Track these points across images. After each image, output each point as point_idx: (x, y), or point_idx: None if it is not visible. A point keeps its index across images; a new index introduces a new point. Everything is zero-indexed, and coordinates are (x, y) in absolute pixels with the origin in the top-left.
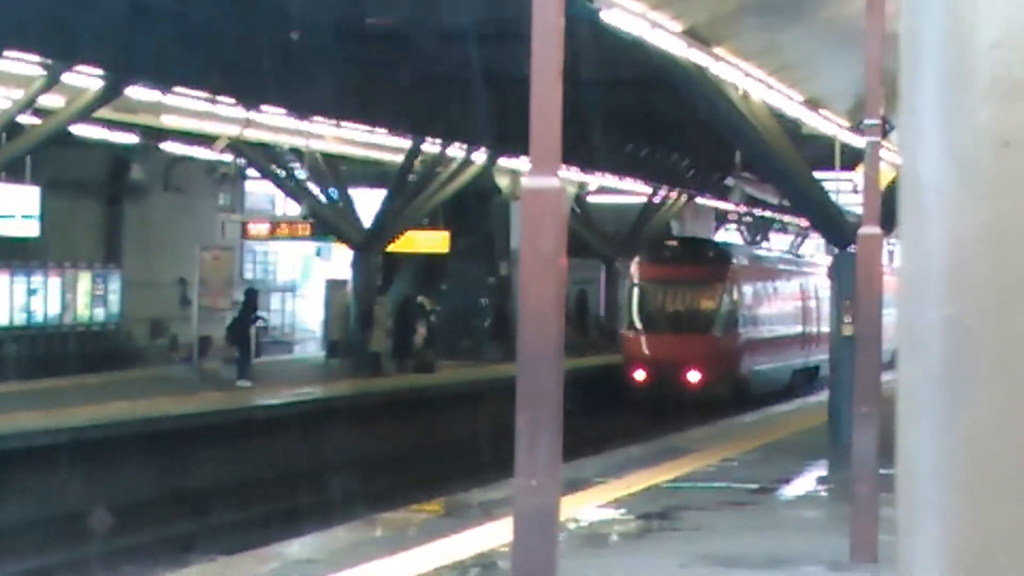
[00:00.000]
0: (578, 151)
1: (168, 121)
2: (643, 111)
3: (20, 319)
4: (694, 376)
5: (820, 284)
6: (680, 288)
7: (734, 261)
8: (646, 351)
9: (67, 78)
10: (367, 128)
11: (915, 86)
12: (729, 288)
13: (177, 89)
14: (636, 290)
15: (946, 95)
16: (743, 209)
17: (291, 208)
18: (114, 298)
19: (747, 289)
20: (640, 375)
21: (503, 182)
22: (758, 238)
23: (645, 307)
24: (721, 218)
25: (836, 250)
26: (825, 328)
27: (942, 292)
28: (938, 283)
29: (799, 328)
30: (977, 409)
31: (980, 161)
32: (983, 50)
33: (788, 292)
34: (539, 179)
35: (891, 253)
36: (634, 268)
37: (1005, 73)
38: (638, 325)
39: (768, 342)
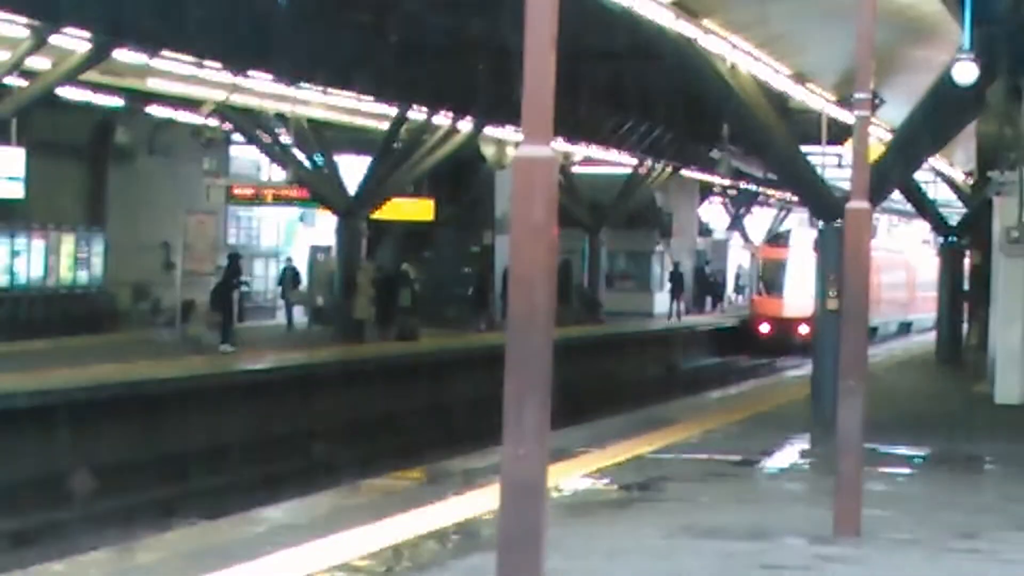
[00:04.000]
0: (564, 122)
1: (154, 85)
2: (631, 82)
3: (3, 281)
4: (803, 329)
5: (915, 264)
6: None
7: None
8: (768, 311)
9: (54, 40)
10: (353, 95)
11: None
12: None
13: (164, 53)
14: (761, 265)
15: None
16: (728, 182)
17: (276, 174)
18: (97, 261)
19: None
20: (765, 328)
21: (488, 151)
22: (742, 211)
23: (767, 278)
24: (706, 191)
25: (822, 224)
26: (916, 294)
27: None
28: None
29: (904, 294)
30: None
31: None
32: None
33: (895, 268)
34: (531, 148)
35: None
36: (760, 249)
37: None
38: (763, 291)
39: (888, 301)
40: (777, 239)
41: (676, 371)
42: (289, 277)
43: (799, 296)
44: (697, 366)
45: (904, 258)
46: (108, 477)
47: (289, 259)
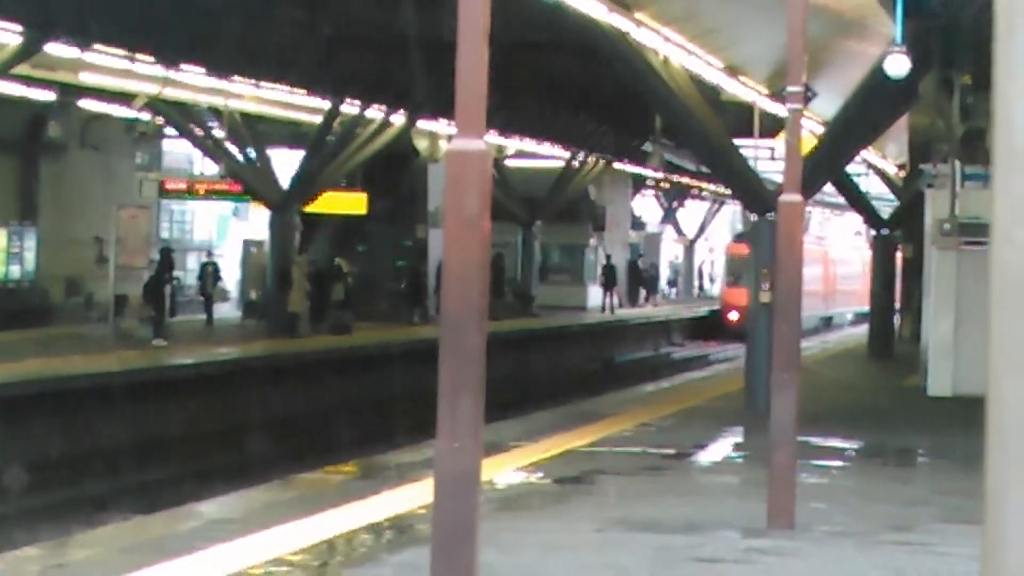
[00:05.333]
0: (497, 115)
1: (86, 78)
2: (563, 75)
3: None
4: (734, 316)
5: (836, 257)
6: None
7: None
8: (736, 301)
9: None
10: (286, 88)
11: (1010, 29)
12: None
13: (96, 46)
14: (729, 260)
15: None
16: (661, 175)
17: (209, 167)
18: (30, 256)
19: None
20: (734, 316)
21: (422, 144)
22: (675, 205)
23: (733, 271)
24: (639, 184)
25: (754, 217)
26: (836, 288)
27: None
28: None
29: (822, 287)
30: None
31: None
32: None
33: (813, 261)
34: (465, 141)
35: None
36: (728, 246)
37: None
38: (731, 284)
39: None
40: (742, 237)
41: (610, 365)
42: (209, 273)
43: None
44: (630, 359)
45: (823, 251)
46: (40, 473)
47: (209, 254)
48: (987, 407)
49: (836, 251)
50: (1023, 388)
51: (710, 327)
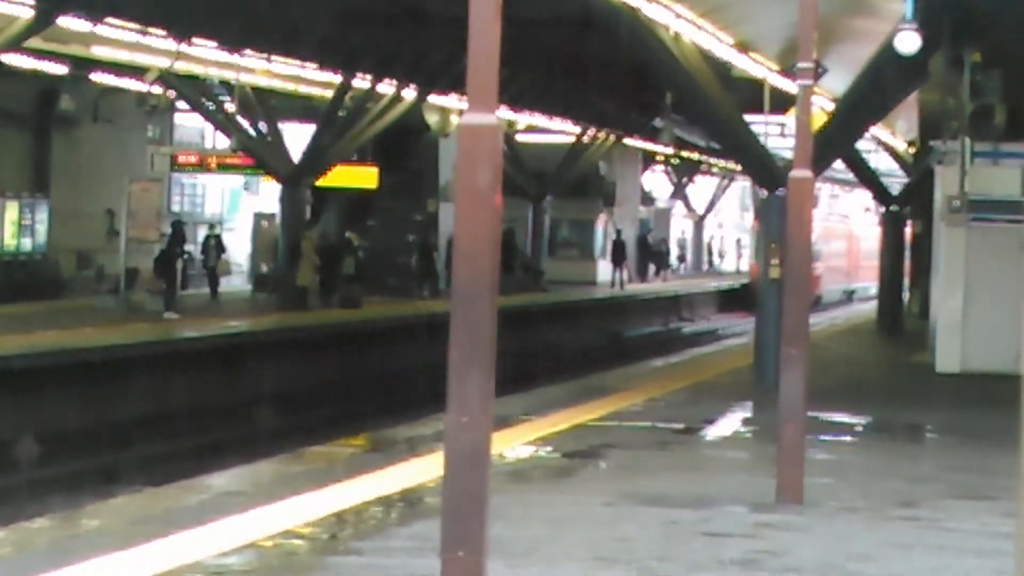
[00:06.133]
0: (508, 89)
1: (98, 52)
2: (574, 51)
3: None
4: None
5: (859, 234)
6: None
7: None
8: None
9: None
10: (297, 62)
11: None
12: None
13: (108, 20)
14: (758, 235)
15: None
16: (671, 151)
17: (220, 141)
18: (41, 228)
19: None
20: None
21: (433, 119)
22: (684, 180)
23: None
24: (649, 159)
25: (764, 193)
26: (859, 263)
27: None
28: None
29: (846, 264)
30: None
31: None
32: None
33: (838, 238)
34: (476, 116)
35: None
36: (754, 223)
37: None
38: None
39: (832, 270)
40: None
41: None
42: (212, 246)
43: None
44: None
45: (848, 228)
46: (52, 444)
47: (212, 226)
48: (1022, 385)
49: (859, 228)
50: None
51: (740, 299)
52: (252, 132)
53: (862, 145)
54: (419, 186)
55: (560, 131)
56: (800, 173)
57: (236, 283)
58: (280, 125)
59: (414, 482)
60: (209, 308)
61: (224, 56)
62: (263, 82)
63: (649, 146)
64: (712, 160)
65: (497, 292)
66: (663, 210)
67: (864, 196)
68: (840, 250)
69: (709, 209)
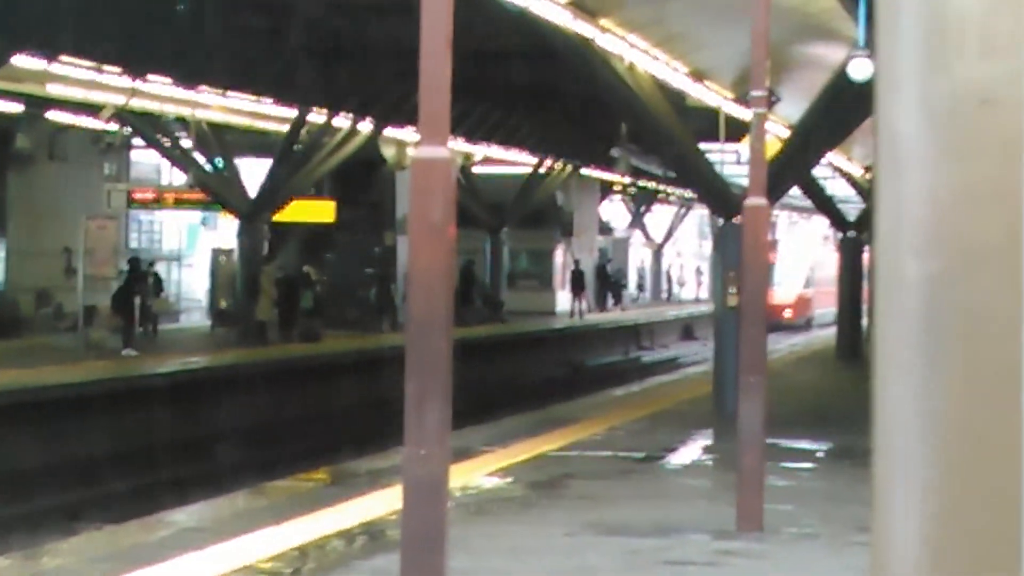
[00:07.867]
0: (463, 122)
1: (54, 90)
2: (530, 82)
3: None
4: (787, 312)
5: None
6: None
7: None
8: (784, 299)
9: None
10: (253, 97)
11: (893, 37)
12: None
13: (63, 58)
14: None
15: (924, 48)
16: (628, 180)
17: (177, 177)
18: None
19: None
20: (787, 313)
21: (389, 152)
22: (642, 209)
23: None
24: (606, 189)
25: (721, 221)
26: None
27: (919, 248)
28: (913, 239)
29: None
30: (954, 369)
31: (957, 118)
32: (964, 3)
33: (830, 265)
34: (429, 149)
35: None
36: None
37: (984, 29)
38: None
39: (822, 294)
40: None
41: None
42: (150, 284)
43: (783, 286)
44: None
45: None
46: (12, 483)
47: (151, 264)
48: (874, 410)
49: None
50: (907, 390)
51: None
52: (209, 168)
53: (819, 172)
54: (377, 219)
55: (517, 162)
56: (755, 201)
57: (195, 318)
58: (237, 160)
59: (375, 515)
60: (167, 344)
61: (180, 92)
62: (219, 117)
63: (606, 176)
64: (669, 189)
65: (452, 323)
66: (621, 239)
67: (822, 223)
68: (830, 276)
69: (667, 238)
